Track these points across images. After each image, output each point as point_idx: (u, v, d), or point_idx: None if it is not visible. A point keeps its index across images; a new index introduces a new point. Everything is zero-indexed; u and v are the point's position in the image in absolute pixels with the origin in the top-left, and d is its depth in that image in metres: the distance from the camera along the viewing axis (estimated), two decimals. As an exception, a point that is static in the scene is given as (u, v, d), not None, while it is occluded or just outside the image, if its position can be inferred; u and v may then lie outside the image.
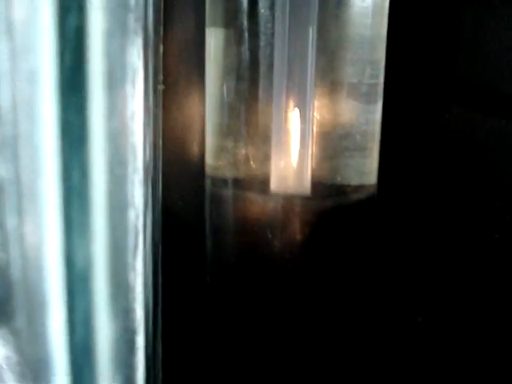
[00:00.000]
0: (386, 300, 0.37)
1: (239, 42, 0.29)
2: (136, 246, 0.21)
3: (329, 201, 0.29)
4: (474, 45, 0.34)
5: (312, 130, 0.29)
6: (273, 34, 0.28)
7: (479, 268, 0.36)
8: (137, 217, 0.21)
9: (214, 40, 0.30)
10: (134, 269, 0.21)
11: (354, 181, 0.30)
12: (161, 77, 0.35)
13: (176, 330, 0.36)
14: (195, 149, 0.34)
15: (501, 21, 0.33)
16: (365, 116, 0.29)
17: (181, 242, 0.36)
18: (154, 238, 0.29)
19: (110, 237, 0.21)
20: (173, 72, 0.35)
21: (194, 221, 0.35)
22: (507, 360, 0.36)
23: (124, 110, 0.20)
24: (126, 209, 0.21)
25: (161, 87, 0.35)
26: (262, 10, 0.28)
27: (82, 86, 0.19)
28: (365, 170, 0.30)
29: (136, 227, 0.21)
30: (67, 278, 0.20)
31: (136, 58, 0.20)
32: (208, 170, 0.31)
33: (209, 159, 0.31)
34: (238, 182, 0.30)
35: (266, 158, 0.29)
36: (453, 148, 0.35)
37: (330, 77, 0.29)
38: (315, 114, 0.29)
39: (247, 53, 0.29)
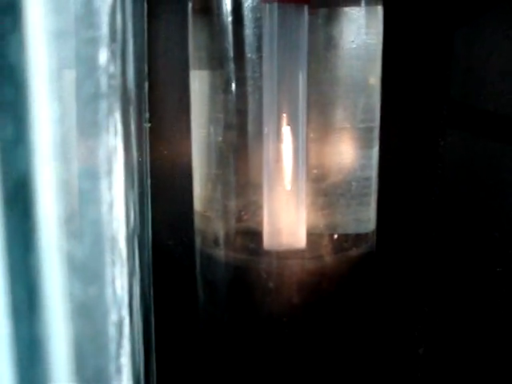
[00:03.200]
0: (387, 335, 0.36)
1: (225, 86, 0.27)
2: (121, 338, 0.20)
3: (325, 254, 0.27)
4: (467, 71, 0.33)
5: (304, 178, 0.27)
6: (261, 78, 0.26)
7: (479, 301, 0.35)
8: (119, 309, 0.19)
9: (199, 84, 0.29)
10: (119, 367, 0.20)
11: (352, 230, 0.28)
12: (147, 115, 0.34)
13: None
14: (185, 192, 0.33)
15: (492, 45, 0.33)
16: (361, 162, 0.28)
17: (173, 296, 0.35)
18: (143, 294, 0.27)
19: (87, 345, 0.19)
20: (159, 110, 0.34)
21: (185, 268, 0.33)
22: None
23: (99, 210, 0.18)
24: (106, 316, 0.19)
25: (147, 125, 0.34)
26: (249, 55, 0.27)
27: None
28: (362, 217, 0.28)
29: (120, 320, 0.20)
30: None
31: (112, 138, 0.19)
32: (196, 221, 0.30)
33: (197, 207, 0.30)
34: (227, 237, 0.28)
35: (257, 211, 0.27)
36: (450, 176, 0.34)
37: (322, 123, 0.27)
38: (308, 161, 0.27)
39: (234, 98, 0.27)
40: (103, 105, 0.18)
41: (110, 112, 0.18)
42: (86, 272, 0.18)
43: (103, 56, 0.18)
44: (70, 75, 0.17)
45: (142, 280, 0.27)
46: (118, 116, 0.19)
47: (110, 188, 0.19)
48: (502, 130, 0.34)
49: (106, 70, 0.18)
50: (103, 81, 0.17)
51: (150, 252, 0.32)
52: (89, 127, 0.18)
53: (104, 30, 0.17)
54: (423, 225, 0.36)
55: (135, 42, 0.26)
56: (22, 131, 0.16)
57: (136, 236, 0.25)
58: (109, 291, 0.19)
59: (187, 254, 0.34)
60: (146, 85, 0.34)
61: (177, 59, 0.33)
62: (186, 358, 0.34)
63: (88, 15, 0.17)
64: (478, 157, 0.34)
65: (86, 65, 0.17)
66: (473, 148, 0.34)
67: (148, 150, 0.34)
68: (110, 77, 0.18)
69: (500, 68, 0.33)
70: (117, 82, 0.18)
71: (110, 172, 0.18)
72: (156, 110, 0.34)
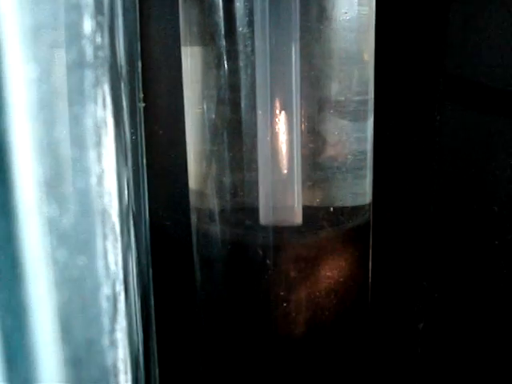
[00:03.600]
0: (387, 309, 0.36)
1: (217, 61, 0.27)
2: (115, 313, 0.20)
3: (321, 227, 0.27)
4: (463, 43, 0.33)
5: (299, 152, 0.27)
6: (253, 53, 0.26)
7: (478, 275, 0.35)
8: (113, 284, 0.19)
9: (191, 59, 0.28)
10: (114, 342, 0.20)
11: (348, 203, 0.28)
12: (141, 94, 0.34)
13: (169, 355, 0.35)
14: (180, 171, 0.33)
15: (489, 18, 0.32)
16: (355, 134, 0.28)
17: (171, 268, 0.34)
18: (140, 273, 0.27)
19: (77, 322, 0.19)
20: (153, 89, 0.34)
21: (183, 247, 0.33)
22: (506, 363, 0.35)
23: (84, 179, 0.18)
24: (99, 288, 0.19)
25: (141, 105, 0.34)
26: (240, 28, 0.26)
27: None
28: (358, 190, 0.28)
29: (114, 295, 0.20)
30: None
31: (101, 110, 0.19)
32: (192, 199, 0.29)
33: (192, 185, 0.30)
34: (223, 214, 0.28)
35: (253, 187, 0.27)
36: (447, 151, 0.34)
37: (316, 96, 0.27)
38: (302, 134, 0.27)
39: (227, 73, 0.27)
40: (89, 74, 0.18)
41: (98, 83, 0.18)
42: (73, 241, 0.18)
43: (88, 25, 0.17)
44: (50, 38, 0.17)
45: (139, 258, 0.27)
46: (106, 89, 0.18)
47: (99, 160, 0.19)
48: (498, 104, 0.34)
49: (91, 39, 0.17)
50: (88, 50, 0.17)
51: (148, 231, 0.32)
52: (73, 94, 0.18)
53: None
54: (421, 198, 0.35)
55: (126, 18, 0.26)
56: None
57: (131, 213, 0.25)
58: (100, 264, 0.19)
59: (184, 233, 0.34)
60: (140, 64, 0.34)
61: (170, 37, 0.33)
62: (186, 337, 0.34)
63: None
64: (475, 130, 0.34)
65: (68, 30, 0.17)
66: (470, 121, 0.34)
67: (143, 129, 0.34)
68: (97, 48, 0.18)
69: (497, 40, 0.33)
70: (105, 54, 0.18)
71: (98, 144, 0.18)
72: (150, 89, 0.34)
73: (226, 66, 0.27)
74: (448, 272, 0.36)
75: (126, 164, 0.24)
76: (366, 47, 0.28)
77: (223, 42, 0.27)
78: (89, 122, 0.18)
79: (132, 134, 0.29)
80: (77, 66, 0.17)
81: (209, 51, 0.27)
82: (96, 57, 0.18)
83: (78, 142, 0.18)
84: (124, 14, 0.23)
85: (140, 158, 0.32)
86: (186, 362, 0.35)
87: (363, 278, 0.29)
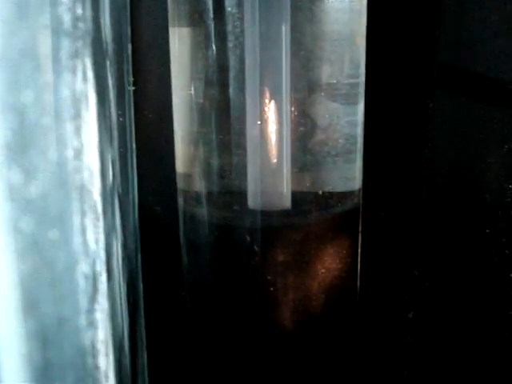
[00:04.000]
0: (377, 298, 0.36)
1: (205, 42, 0.26)
2: (95, 292, 0.19)
3: (310, 212, 0.27)
4: (457, 31, 0.32)
5: (289, 136, 0.26)
6: (242, 33, 0.26)
7: (469, 264, 0.35)
8: (93, 263, 0.19)
9: (179, 40, 0.28)
10: (92, 322, 0.19)
11: (337, 188, 0.28)
12: (131, 78, 0.33)
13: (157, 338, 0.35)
14: (168, 155, 0.33)
15: (484, 5, 0.32)
16: (346, 118, 0.27)
17: (159, 253, 0.34)
18: (127, 257, 0.27)
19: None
20: (143, 73, 0.33)
21: (171, 231, 0.33)
22: (498, 354, 0.35)
23: (62, 152, 0.18)
24: (74, 265, 0.18)
25: (131, 88, 0.34)
26: (229, 8, 0.26)
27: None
28: (348, 175, 0.28)
29: (94, 274, 0.19)
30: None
31: (80, 83, 0.18)
32: (179, 182, 0.29)
33: (179, 169, 0.29)
34: (210, 197, 0.27)
35: (241, 170, 0.27)
36: (439, 139, 0.34)
37: (306, 78, 0.26)
38: (292, 118, 0.26)
39: (215, 54, 0.26)
40: (66, 44, 0.17)
41: (78, 55, 0.18)
42: (42, 213, 0.18)
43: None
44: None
45: (125, 242, 0.26)
46: (88, 63, 0.18)
47: (77, 133, 0.18)
48: (492, 92, 0.33)
49: (69, 8, 0.17)
50: (66, 18, 0.17)
51: (137, 216, 0.32)
52: (46, 60, 0.17)
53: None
54: (412, 186, 0.35)
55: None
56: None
57: (116, 194, 0.25)
58: (77, 240, 0.18)
59: (173, 217, 0.33)
60: (130, 47, 0.33)
61: (160, 19, 0.33)
62: (174, 322, 0.34)
63: None
64: (468, 119, 0.34)
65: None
66: (463, 110, 0.34)
67: (132, 113, 0.33)
68: (77, 18, 0.17)
69: (492, 28, 0.32)
70: (86, 26, 0.17)
71: (76, 116, 0.18)
72: (140, 73, 0.33)
73: (214, 47, 0.26)
74: (439, 261, 0.36)
75: (111, 144, 0.24)
76: (357, 29, 0.27)
77: (212, 23, 0.26)
78: (65, 92, 0.17)
79: (119, 115, 0.28)
80: (51, 32, 0.17)
81: (197, 32, 0.27)
82: (75, 27, 0.17)
83: (51, 110, 0.17)
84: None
85: (129, 140, 0.32)
86: (175, 347, 0.35)
87: (352, 264, 0.29)
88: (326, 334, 0.29)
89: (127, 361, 0.26)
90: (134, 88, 0.33)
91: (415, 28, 0.33)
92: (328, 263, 0.27)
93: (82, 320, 0.19)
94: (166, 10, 0.30)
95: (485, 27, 0.32)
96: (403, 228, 0.36)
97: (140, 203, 0.33)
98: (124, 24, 0.32)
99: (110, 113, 0.23)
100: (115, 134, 0.24)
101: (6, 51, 0.17)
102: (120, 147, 0.27)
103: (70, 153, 0.18)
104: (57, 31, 0.17)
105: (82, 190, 0.19)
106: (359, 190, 0.29)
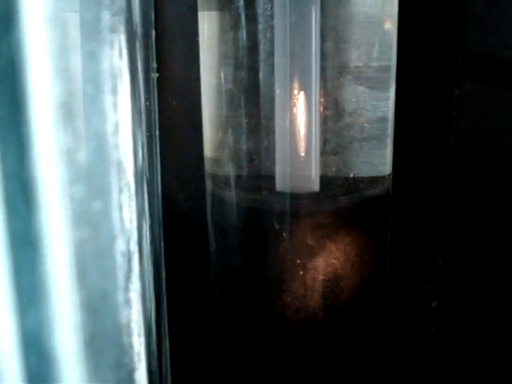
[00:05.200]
0: (400, 287, 0.36)
1: (235, 26, 0.26)
2: (130, 271, 0.19)
3: (339, 196, 0.27)
4: (483, 18, 0.32)
5: (318, 120, 0.26)
6: (272, 16, 0.25)
7: (493, 254, 0.35)
8: (127, 241, 0.19)
9: (208, 25, 0.28)
10: (128, 301, 0.19)
11: (366, 173, 0.27)
12: (154, 64, 0.33)
13: (181, 331, 0.34)
14: (197, 143, 0.32)
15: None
16: (376, 103, 0.27)
17: (183, 239, 0.34)
18: (153, 242, 0.27)
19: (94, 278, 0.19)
20: (167, 60, 0.33)
21: (196, 217, 0.33)
22: None
23: (101, 123, 0.18)
24: (113, 240, 0.18)
25: (154, 75, 0.33)
26: (260, -9, 0.26)
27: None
28: (377, 161, 0.28)
29: (128, 252, 0.19)
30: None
31: (117, 59, 0.18)
32: (207, 166, 0.29)
33: (208, 153, 0.29)
34: (239, 180, 0.27)
35: (270, 153, 0.26)
36: (465, 125, 0.34)
37: (337, 61, 0.26)
38: (321, 102, 0.26)
39: (245, 38, 0.26)
40: (106, 16, 0.17)
41: (115, 30, 0.18)
42: (88, 182, 0.18)
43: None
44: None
45: (152, 227, 0.26)
46: (123, 40, 0.18)
47: (114, 108, 0.18)
48: None
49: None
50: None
51: (160, 201, 0.32)
52: (90, 30, 0.17)
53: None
54: (437, 174, 0.35)
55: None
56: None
57: (145, 179, 0.25)
58: (116, 215, 0.18)
59: (197, 203, 0.33)
60: (153, 33, 0.33)
61: (185, 5, 0.32)
62: (198, 309, 0.34)
63: None
64: (494, 106, 0.34)
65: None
66: (488, 97, 0.33)
67: (156, 100, 0.33)
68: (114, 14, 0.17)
69: None
70: (121, 3, 0.17)
71: (114, 91, 0.18)
72: (166, 58, 0.33)
73: (244, 30, 0.26)
74: (463, 250, 0.35)
75: (141, 126, 0.24)
76: (388, 11, 0.27)
77: (242, 6, 0.26)
78: (105, 64, 0.17)
79: (146, 99, 0.28)
80: (93, 2, 0.17)
81: (227, 15, 0.27)
82: (113, 2, 0.17)
83: (94, 79, 0.17)
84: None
85: (153, 127, 0.32)
86: (199, 335, 0.35)
87: (381, 249, 0.29)
88: (352, 317, 0.29)
89: (154, 344, 0.26)
90: (157, 75, 0.33)
91: (442, 15, 0.33)
92: (357, 247, 0.27)
93: (120, 297, 0.19)
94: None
95: (510, 13, 0.32)
96: (428, 217, 0.36)
97: (164, 189, 0.33)
98: (149, 9, 0.32)
99: (139, 95, 0.22)
100: (143, 117, 0.24)
101: (56, 14, 0.17)
102: (147, 131, 0.27)
103: (109, 127, 0.18)
104: (97, 2, 0.17)
105: (119, 166, 0.19)
106: (389, 174, 0.29)
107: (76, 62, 0.17)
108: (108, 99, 0.18)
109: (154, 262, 0.27)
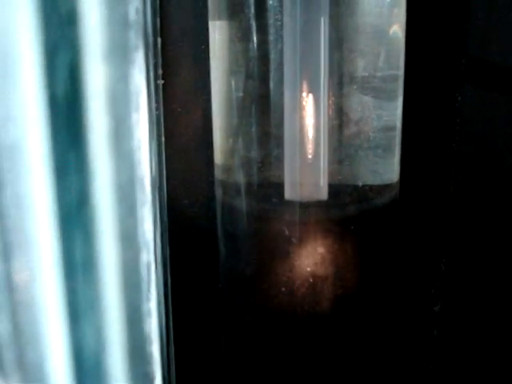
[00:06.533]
0: (404, 290, 0.36)
1: (245, 36, 0.27)
2: (150, 282, 0.20)
3: (347, 204, 0.27)
4: (486, 25, 0.33)
5: (326, 129, 0.27)
6: (282, 26, 0.26)
7: (496, 259, 0.35)
8: (148, 252, 0.19)
9: (219, 34, 0.28)
10: (149, 311, 0.20)
11: (374, 181, 0.28)
12: (160, 71, 0.34)
13: (188, 337, 0.35)
14: (203, 150, 0.33)
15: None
16: (384, 112, 0.27)
17: (192, 248, 0.34)
18: (162, 249, 0.27)
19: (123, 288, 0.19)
20: (174, 67, 0.33)
21: (204, 225, 0.33)
22: None
23: (130, 141, 0.18)
24: (139, 253, 0.19)
25: (160, 82, 0.34)
26: (271, 1, 0.26)
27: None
28: (385, 169, 0.28)
29: (148, 263, 0.19)
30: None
31: (138, 75, 0.18)
32: (217, 173, 0.29)
33: (217, 161, 0.29)
34: (249, 188, 0.28)
35: (279, 161, 0.27)
36: (467, 132, 0.34)
37: (345, 72, 0.26)
38: (330, 111, 0.26)
39: (255, 48, 0.26)
40: (132, 37, 0.17)
41: (137, 49, 0.18)
42: (126, 202, 0.18)
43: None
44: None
45: (161, 235, 0.27)
46: (141, 56, 0.18)
47: (138, 125, 0.18)
48: None
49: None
50: (131, 11, 0.17)
51: (166, 207, 0.32)
52: (121, 52, 0.17)
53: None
54: (440, 179, 0.35)
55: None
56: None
57: (157, 188, 0.25)
58: (140, 230, 0.19)
59: (204, 212, 0.33)
60: (159, 41, 0.33)
61: (191, 14, 0.33)
62: (207, 317, 0.34)
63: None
64: (496, 112, 0.34)
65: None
66: (490, 103, 0.34)
67: (161, 106, 0.33)
68: (137, 10, 0.17)
69: None
70: (139, 18, 0.18)
71: (137, 108, 0.18)
72: (171, 67, 0.33)
73: (254, 40, 0.26)
74: (466, 255, 0.36)
75: (153, 137, 0.24)
76: (396, 22, 0.27)
77: (252, 16, 0.26)
78: (131, 84, 0.18)
79: (156, 108, 0.28)
80: (122, 25, 0.17)
81: (238, 25, 0.27)
82: (136, 21, 0.18)
83: (125, 100, 0.18)
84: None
85: (161, 133, 0.32)
86: (207, 339, 0.35)
87: (387, 257, 0.29)
88: (360, 323, 0.29)
89: (165, 351, 0.26)
90: (163, 82, 0.33)
91: (445, 22, 0.33)
92: (365, 254, 0.27)
93: (145, 308, 0.20)
94: (199, 4, 0.30)
95: None
96: (431, 223, 0.36)
97: (171, 195, 0.33)
98: (156, 17, 0.32)
99: (152, 106, 0.23)
100: (154, 127, 0.25)
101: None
102: (156, 140, 0.28)
103: (135, 143, 0.18)
104: (126, 25, 0.18)
105: (142, 181, 0.19)
106: (397, 182, 0.29)
107: (109, 84, 0.18)
108: (134, 117, 0.18)
109: (162, 270, 0.28)
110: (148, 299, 0.20)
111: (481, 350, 0.36)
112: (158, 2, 0.32)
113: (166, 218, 0.31)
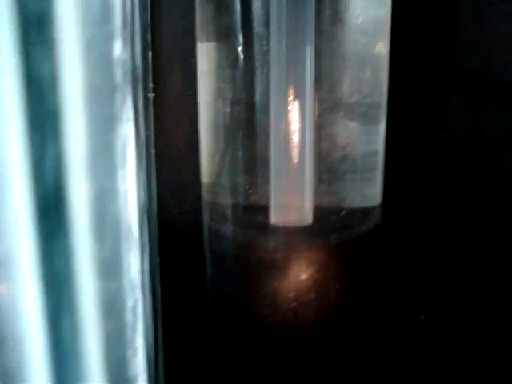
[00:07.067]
0: (389, 299, 0.36)
1: (232, 61, 0.27)
2: (135, 321, 0.20)
3: (331, 228, 0.28)
4: (473, 38, 0.33)
5: (312, 155, 0.27)
6: (268, 52, 0.26)
7: (480, 270, 0.36)
8: (133, 294, 0.20)
9: (206, 57, 0.28)
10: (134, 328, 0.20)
11: (358, 204, 0.28)
12: (151, 85, 0.34)
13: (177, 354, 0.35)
14: (190, 161, 0.33)
15: (500, 12, 0.32)
16: (368, 137, 0.28)
17: (180, 267, 0.35)
18: (152, 276, 0.27)
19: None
20: (164, 85, 0.34)
21: (192, 245, 0.34)
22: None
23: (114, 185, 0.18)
24: (124, 303, 0.19)
25: (151, 95, 0.34)
26: (257, 29, 0.26)
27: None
28: (368, 192, 0.29)
29: (134, 306, 0.20)
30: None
31: (126, 120, 0.19)
32: (204, 193, 0.30)
33: (205, 179, 0.30)
34: (235, 212, 0.28)
35: (265, 187, 0.27)
36: (454, 147, 0.34)
37: (330, 98, 0.27)
38: (315, 136, 0.27)
39: (241, 73, 0.27)
40: (118, 96, 0.18)
41: (124, 102, 0.18)
42: (108, 269, 0.19)
43: (117, 49, 0.17)
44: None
45: (151, 256, 0.27)
46: (129, 101, 0.19)
47: (124, 179, 0.19)
48: (506, 99, 0.34)
49: (120, 61, 0.17)
50: (118, 73, 0.17)
51: (156, 226, 0.32)
52: (106, 119, 0.18)
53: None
54: (426, 195, 0.36)
55: (141, 17, 0.26)
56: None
57: (145, 212, 0.26)
58: (126, 280, 0.19)
59: (193, 226, 0.34)
60: (150, 54, 0.33)
61: (182, 29, 0.33)
62: (194, 331, 0.35)
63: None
64: (484, 126, 0.34)
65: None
66: (478, 117, 0.34)
67: (152, 120, 0.34)
68: (123, 64, 0.18)
69: (507, 35, 0.32)
70: (127, 67, 0.18)
71: (124, 163, 0.19)
72: (160, 80, 0.34)
73: (241, 64, 0.27)
74: (451, 266, 0.36)
75: (141, 163, 0.24)
76: (380, 49, 0.28)
77: (239, 41, 0.27)
78: (119, 144, 0.18)
79: (145, 129, 0.29)
80: (108, 91, 0.17)
81: (224, 49, 0.27)
82: (123, 75, 0.18)
83: (111, 165, 0.18)
84: (140, 15, 0.23)
85: (150, 150, 0.32)
86: (195, 357, 0.36)
87: (370, 272, 0.30)
88: (343, 345, 0.30)
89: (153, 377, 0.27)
90: (153, 95, 0.34)
91: (432, 36, 0.33)
92: (350, 278, 0.28)
93: (130, 352, 0.20)
94: (188, 20, 0.30)
95: (500, 33, 0.32)
96: (417, 236, 0.36)
97: (160, 211, 0.33)
98: (145, 32, 0.32)
99: (140, 135, 0.23)
100: (143, 152, 0.25)
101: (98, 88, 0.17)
102: (146, 162, 0.28)
103: (121, 201, 0.19)
104: (112, 88, 0.18)
105: (128, 229, 0.20)
106: (380, 205, 0.30)
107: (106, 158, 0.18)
108: (120, 176, 0.19)
109: (151, 285, 0.28)
110: (133, 340, 0.21)
111: (466, 358, 0.37)
112: (148, 17, 0.33)
113: (155, 238, 0.31)
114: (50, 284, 0.18)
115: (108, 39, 0.17)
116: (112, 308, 0.19)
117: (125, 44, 0.18)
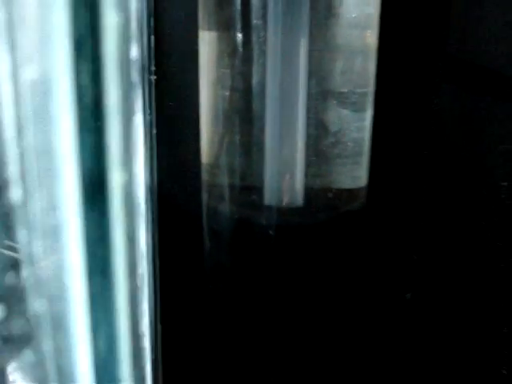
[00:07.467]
0: (375, 277, 0.37)
1: (232, 49, 0.29)
2: (143, 274, 0.22)
3: (321, 208, 0.30)
4: (464, 27, 0.33)
5: (303, 138, 0.29)
6: (265, 43, 0.28)
7: (469, 248, 0.36)
8: (142, 253, 0.22)
9: (208, 46, 0.30)
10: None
11: (346, 186, 0.30)
12: (153, 68, 0.35)
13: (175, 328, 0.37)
14: (191, 140, 0.34)
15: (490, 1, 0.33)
16: (355, 123, 0.30)
17: (179, 241, 0.36)
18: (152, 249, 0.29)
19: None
20: (166, 66, 0.35)
21: (192, 217, 0.35)
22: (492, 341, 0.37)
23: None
24: (135, 250, 0.22)
25: (153, 78, 0.35)
26: (255, 21, 0.28)
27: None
28: (356, 174, 0.30)
29: (142, 256, 0.22)
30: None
31: (137, 110, 0.21)
32: (203, 173, 0.32)
33: (204, 160, 0.32)
34: (232, 192, 0.30)
35: (259, 169, 0.29)
36: (444, 134, 0.35)
37: (322, 87, 0.29)
38: (309, 122, 0.29)
39: (240, 61, 0.29)
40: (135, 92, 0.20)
41: (137, 93, 0.20)
42: (131, 241, 0.21)
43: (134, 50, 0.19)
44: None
45: (153, 235, 0.29)
46: (139, 92, 0.21)
47: (138, 162, 0.21)
48: (497, 87, 0.34)
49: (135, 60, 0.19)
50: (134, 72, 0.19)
51: (156, 203, 0.34)
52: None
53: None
54: (413, 177, 0.36)
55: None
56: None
57: (149, 191, 0.28)
58: (138, 251, 0.21)
59: (192, 203, 0.35)
60: (152, 38, 0.35)
61: (184, 14, 0.34)
62: (193, 303, 0.36)
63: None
64: (473, 114, 0.34)
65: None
66: (468, 105, 0.34)
67: (153, 102, 0.35)
68: (136, 62, 0.19)
69: (497, 24, 0.33)
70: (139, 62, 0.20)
71: (138, 148, 0.21)
72: (162, 62, 0.35)
73: (240, 54, 0.29)
74: (438, 246, 0.37)
75: (145, 142, 0.26)
76: (369, 42, 0.29)
77: (238, 32, 0.28)
78: (135, 133, 0.20)
79: (149, 114, 0.30)
80: (129, 88, 0.19)
81: (225, 39, 0.29)
82: (137, 71, 0.20)
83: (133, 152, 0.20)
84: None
85: (151, 130, 0.34)
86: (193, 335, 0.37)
87: (358, 251, 0.31)
88: (330, 314, 0.31)
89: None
90: (155, 77, 0.35)
91: (422, 24, 0.34)
92: (340, 255, 0.30)
93: (140, 310, 0.23)
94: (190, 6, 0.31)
95: (490, 22, 0.33)
96: (405, 215, 0.37)
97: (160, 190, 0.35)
98: (150, 16, 0.33)
99: (145, 114, 0.25)
100: (148, 134, 0.27)
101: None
102: (149, 141, 0.30)
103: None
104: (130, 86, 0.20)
105: (139, 202, 0.22)
106: (366, 186, 0.31)
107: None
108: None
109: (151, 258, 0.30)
110: (142, 302, 0.23)
111: (452, 337, 0.38)
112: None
113: (155, 212, 0.33)
114: (91, 250, 0.20)
115: (128, 43, 0.19)
116: (131, 272, 0.22)
117: (139, 45, 0.20)
